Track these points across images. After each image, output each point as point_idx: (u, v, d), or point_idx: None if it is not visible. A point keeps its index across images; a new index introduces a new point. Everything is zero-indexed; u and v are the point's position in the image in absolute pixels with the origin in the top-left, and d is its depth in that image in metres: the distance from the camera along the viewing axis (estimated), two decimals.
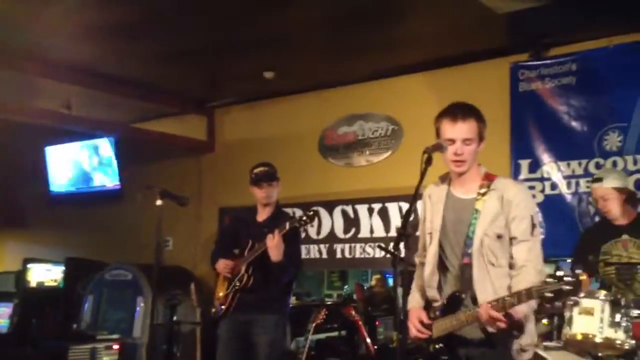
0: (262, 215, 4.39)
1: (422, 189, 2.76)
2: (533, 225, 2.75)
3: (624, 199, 4.18)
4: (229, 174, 6.89)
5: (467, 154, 2.76)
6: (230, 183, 6.77)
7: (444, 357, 2.76)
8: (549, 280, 2.42)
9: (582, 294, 3.70)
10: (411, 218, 2.70)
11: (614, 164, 4.98)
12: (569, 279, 2.38)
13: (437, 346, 2.77)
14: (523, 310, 2.60)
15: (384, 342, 5.97)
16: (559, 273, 2.43)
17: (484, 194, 2.77)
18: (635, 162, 4.91)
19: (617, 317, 3.59)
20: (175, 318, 5.39)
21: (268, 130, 6.95)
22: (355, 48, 5.58)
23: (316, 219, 4.12)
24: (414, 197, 2.69)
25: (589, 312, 3.61)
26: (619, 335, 3.57)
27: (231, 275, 4.27)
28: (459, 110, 2.79)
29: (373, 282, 8.41)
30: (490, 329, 2.64)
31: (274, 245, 3.98)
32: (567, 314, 3.66)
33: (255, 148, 6.80)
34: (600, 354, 3.80)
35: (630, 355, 3.66)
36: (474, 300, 2.72)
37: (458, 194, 2.87)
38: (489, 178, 2.83)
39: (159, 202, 4.07)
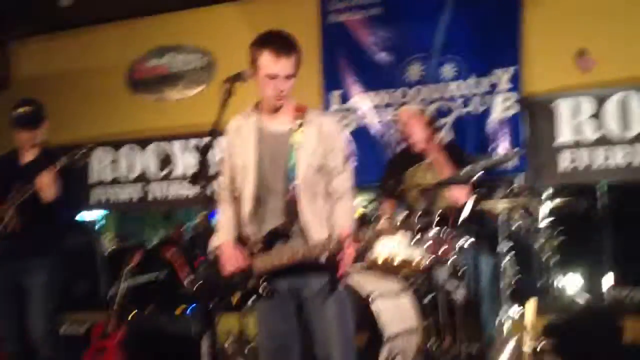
0: (27, 157, 4.02)
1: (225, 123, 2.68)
2: (347, 156, 2.82)
3: (426, 121, 4.43)
4: None
5: (288, 89, 2.70)
6: None
7: (268, 291, 2.72)
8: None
9: (384, 217, 3.89)
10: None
11: (418, 92, 5.22)
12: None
13: (261, 281, 2.71)
14: None
15: (205, 280, 5.93)
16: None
17: (299, 126, 2.75)
18: (435, 91, 5.18)
19: (415, 237, 3.82)
20: None
21: (70, 64, 6.44)
22: None
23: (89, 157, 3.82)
24: (213, 130, 2.60)
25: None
26: (417, 254, 3.82)
27: None
28: (282, 45, 2.66)
29: (197, 221, 8.28)
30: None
31: (46, 184, 3.68)
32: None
33: (56, 84, 6.31)
34: (401, 273, 4.05)
35: (428, 272, 3.94)
36: (303, 233, 2.70)
37: (270, 126, 2.80)
38: (300, 110, 2.79)
39: None
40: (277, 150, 2.76)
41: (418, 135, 4.38)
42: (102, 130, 5.96)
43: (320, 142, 2.74)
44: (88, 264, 5.72)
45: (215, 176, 2.59)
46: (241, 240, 2.84)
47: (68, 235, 4.10)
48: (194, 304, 4.76)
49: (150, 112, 6.19)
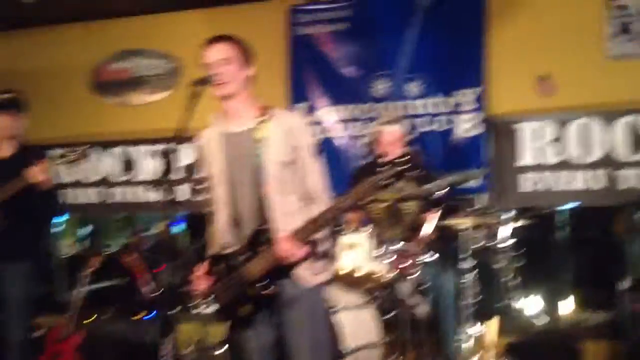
0: (4, 151, 3.91)
1: (192, 131, 2.66)
2: (316, 153, 2.75)
3: (406, 142, 4.49)
4: None
5: (227, 74, 2.67)
6: None
7: (271, 291, 2.64)
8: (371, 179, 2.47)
9: (349, 230, 3.93)
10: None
11: (383, 109, 5.26)
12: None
13: (261, 286, 2.63)
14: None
15: (166, 288, 5.86)
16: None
17: (263, 122, 2.71)
18: (400, 108, 5.24)
19: (379, 251, 3.85)
20: None
21: (32, 63, 6.30)
22: None
23: (86, 158, 3.78)
24: (179, 135, 2.59)
25: (354, 246, 3.82)
26: (380, 268, 3.84)
27: None
28: (213, 37, 2.76)
29: (158, 230, 8.18)
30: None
31: (40, 174, 3.55)
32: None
33: (17, 82, 6.15)
34: (364, 287, 4.07)
35: (391, 286, 3.96)
36: (276, 233, 2.63)
37: (233, 128, 2.77)
38: (264, 109, 2.77)
39: None
40: (243, 149, 2.72)
41: (396, 154, 4.43)
42: (64, 132, 5.84)
43: (286, 137, 2.69)
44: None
45: (179, 181, 2.55)
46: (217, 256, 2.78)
47: (46, 238, 4.02)
48: (154, 311, 4.70)
49: (114, 115, 6.11)
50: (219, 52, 2.70)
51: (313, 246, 2.63)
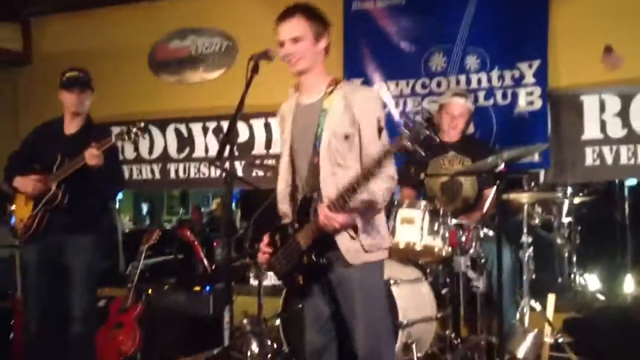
0: (71, 127, 3.99)
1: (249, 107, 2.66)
2: (380, 129, 2.64)
3: (470, 117, 4.43)
4: (50, 88, 6.32)
5: (299, 52, 2.65)
6: (52, 98, 6.22)
7: (322, 261, 2.65)
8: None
9: (405, 204, 3.90)
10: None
11: (438, 84, 5.19)
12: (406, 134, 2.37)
13: (312, 256, 2.64)
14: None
15: (221, 262, 5.98)
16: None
17: (330, 93, 2.69)
18: (457, 83, 5.13)
19: (436, 225, 3.82)
20: None
21: (93, 42, 6.42)
22: None
23: (146, 135, 3.87)
24: (239, 105, 2.61)
25: (410, 221, 3.80)
26: (437, 243, 3.81)
27: (36, 193, 3.82)
28: (285, 11, 2.71)
29: (214, 207, 8.33)
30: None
31: (96, 156, 3.62)
32: (390, 224, 3.82)
33: (77, 62, 6.22)
34: (420, 261, 4.05)
35: (448, 261, 3.93)
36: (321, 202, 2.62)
37: (305, 100, 2.77)
38: (335, 81, 2.75)
39: None
40: (308, 121, 2.73)
41: (459, 129, 4.37)
42: (123, 110, 5.94)
43: (346, 110, 2.65)
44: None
45: (234, 158, 2.56)
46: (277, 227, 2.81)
47: (109, 213, 4.10)
48: (211, 284, 4.79)
49: (171, 94, 6.17)
50: (291, 30, 2.66)
51: (353, 213, 2.58)
